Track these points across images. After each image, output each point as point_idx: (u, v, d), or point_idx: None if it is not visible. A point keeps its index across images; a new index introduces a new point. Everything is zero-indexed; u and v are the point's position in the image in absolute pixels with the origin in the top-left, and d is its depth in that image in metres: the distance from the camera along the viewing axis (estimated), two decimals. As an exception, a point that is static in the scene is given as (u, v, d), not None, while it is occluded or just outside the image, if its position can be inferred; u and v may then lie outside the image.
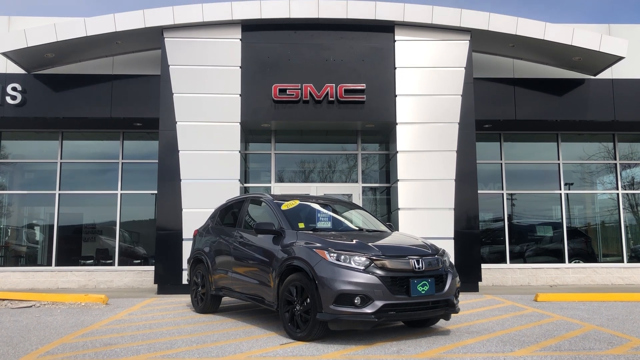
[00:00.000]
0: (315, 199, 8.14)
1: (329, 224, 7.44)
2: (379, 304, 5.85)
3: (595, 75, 13.32)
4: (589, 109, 13.47)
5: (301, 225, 7.03)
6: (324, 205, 7.79)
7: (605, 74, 13.36)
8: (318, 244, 6.29)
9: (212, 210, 10.69)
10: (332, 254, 6.08)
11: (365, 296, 5.85)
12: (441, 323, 7.23)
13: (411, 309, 6.09)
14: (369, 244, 6.36)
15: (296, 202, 7.54)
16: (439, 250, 6.73)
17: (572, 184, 14.86)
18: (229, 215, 8.70)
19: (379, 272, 5.97)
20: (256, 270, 7.23)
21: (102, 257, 14.38)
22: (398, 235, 7.39)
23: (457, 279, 6.68)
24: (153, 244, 12.43)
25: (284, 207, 7.34)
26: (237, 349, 5.85)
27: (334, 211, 7.87)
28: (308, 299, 6.13)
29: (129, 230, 14.70)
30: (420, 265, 6.17)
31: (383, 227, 7.82)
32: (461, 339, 6.35)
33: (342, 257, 6.06)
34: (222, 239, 8.25)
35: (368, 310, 5.83)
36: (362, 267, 5.98)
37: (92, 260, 14.42)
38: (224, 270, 8.02)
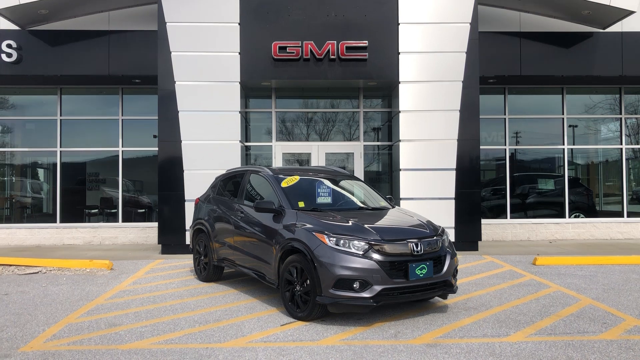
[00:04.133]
0: (315, 173, 8.11)
1: (329, 199, 7.43)
2: (377, 288, 5.93)
3: (604, 29, 12.95)
4: (596, 64, 13.19)
5: (301, 204, 7.03)
6: (323, 180, 7.76)
7: (615, 27, 12.98)
8: (318, 227, 6.33)
9: (213, 171, 10.79)
10: (331, 239, 6.12)
11: (364, 281, 5.93)
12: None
13: (409, 292, 6.18)
14: (369, 226, 6.38)
15: (296, 179, 7.52)
16: (437, 230, 6.76)
17: (576, 138, 14.75)
18: (230, 186, 8.70)
19: (377, 256, 6.03)
20: (257, 248, 7.30)
21: (107, 207, 14.52)
22: (397, 213, 7.39)
23: (456, 258, 6.73)
24: (157, 192, 12.35)
25: (284, 184, 7.32)
26: (239, 331, 5.98)
27: (334, 185, 7.84)
28: (308, 281, 6.22)
29: (132, 180, 14.75)
30: (419, 248, 6.21)
31: (383, 202, 7.83)
32: (458, 317, 6.47)
33: (342, 241, 6.10)
34: (223, 211, 8.30)
35: (366, 294, 5.93)
36: (361, 252, 6.03)
37: (96, 210, 14.55)
38: (225, 244, 8.11)
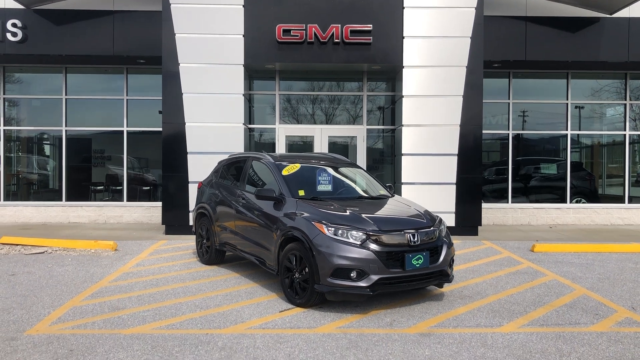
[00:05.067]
0: (317, 160, 8.20)
1: (329, 188, 7.54)
2: (374, 278, 6.06)
3: (611, 14, 12.84)
4: (602, 49, 13.11)
5: (301, 192, 7.13)
6: (324, 168, 7.84)
7: (622, 13, 12.88)
8: (317, 217, 6.44)
9: (217, 153, 10.96)
10: (330, 228, 6.24)
11: (361, 271, 6.06)
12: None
13: (405, 281, 6.31)
14: (367, 216, 6.49)
15: (297, 167, 7.61)
16: (435, 220, 6.86)
17: (580, 122, 14.73)
18: (232, 171, 8.81)
19: (375, 247, 6.15)
20: (258, 234, 7.44)
21: (112, 184, 14.68)
22: (396, 203, 7.49)
23: (453, 248, 6.84)
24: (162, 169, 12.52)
25: (284, 172, 7.43)
26: (239, 317, 6.14)
27: (335, 173, 7.94)
28: (307, 269, 6.36)
29: (137, 157, 14.88)
30: (416, 239, 6.33)
31: (382, 191, 7.94)
32: (453, 306, 6.61)
33: (340, 231, 6.21)
34: (225, 196, 8.42)
35: (363, 284, 6.06)
36: (359, 242, 6.15)
37: (102, 187, 14.73)
38: (227, 229, 8.26)
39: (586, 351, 5.17)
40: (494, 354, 5.08)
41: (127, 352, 5.08)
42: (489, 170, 14.80)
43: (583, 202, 14.65)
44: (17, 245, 10.13)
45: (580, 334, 5.65)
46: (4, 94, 14.26)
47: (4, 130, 14.34)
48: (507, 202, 14.36)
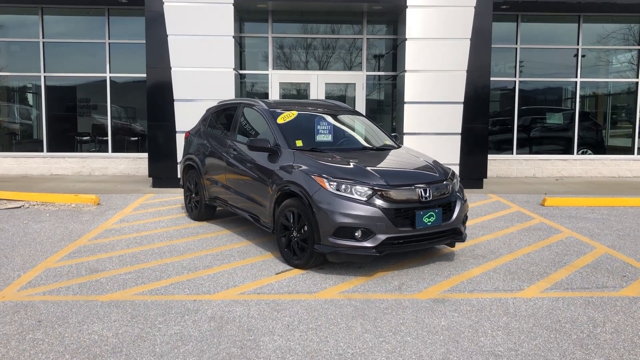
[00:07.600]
0: (315, 107, 7.44)
1: (329, 138, 6.82)
2: (381, 237, 5.43)
3: (630, -50, 11.91)
4: (618, -11, 12.21)
5: (299, 143, 6.41)
6: (323, 116, 7.11)
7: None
8: (317, 170, 5.75)
9: (206, 101, 10.21)
10: (331, 183, 5.56)
11: (367, 230, 5.41)
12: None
13: (415, 241, 5.69)
14: (372, 169, 5.80)
15: (294, 114, 6.87)
16: (448, 173, 6.19)
17: (588, 70, 13.92)
18: (222, 120, 8.05)
19: (382, 203, 5.48)
20: (251, 188, 6.76)
21: (99, 134, 13.86)
22: (404, 154, 6.79)
23: (467, 204, 6.20)
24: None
25: (280, 120, 6.68)
26: (230, 280, 5.53)
27: (335, 122, 7.20)
28: (305, 227, 5.71)
29: (124, 106, 14.04)
30: (428, 194, 5.67)
31: (388, 141, 7.24)
32: (466, 267, 6.02)
33: (343, 186, 5.53)
34: (215, 147, 7.69)
35: (369, 244, 5.43)
36: (364, 198, 5.48)
37: (88, 137, 13.93)
38: (217, 183, 7.57)
39: (622, 320, 4.60)
40: (519, 324, 4.50)
41: (104, 322, 4.46)
42: (492, 120, 14.05)
43: (589, 154, 14.02)
44: (-8, 199, 9.43)
45: (611, 299, 5.09)
46: (-24, 37, 13.27)
47: (-22, 76, 13.41)
48: (512, 153, 13.70)
